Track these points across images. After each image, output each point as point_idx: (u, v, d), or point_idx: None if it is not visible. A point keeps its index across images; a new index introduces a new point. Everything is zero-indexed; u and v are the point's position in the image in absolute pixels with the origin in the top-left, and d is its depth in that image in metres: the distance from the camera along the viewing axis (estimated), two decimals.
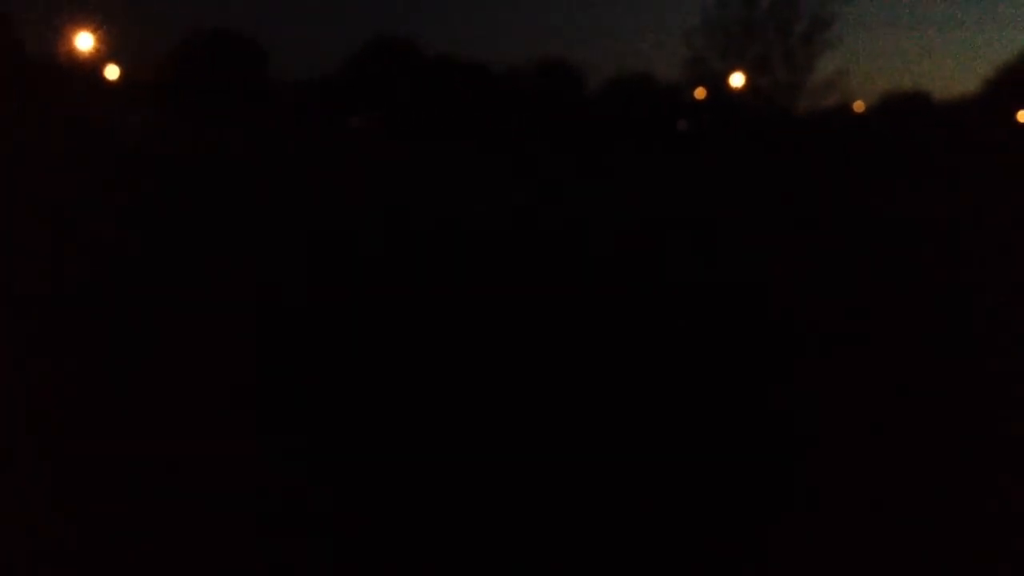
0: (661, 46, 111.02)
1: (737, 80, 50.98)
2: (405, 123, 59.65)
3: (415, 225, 15.45)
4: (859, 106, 67.14)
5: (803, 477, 4.69)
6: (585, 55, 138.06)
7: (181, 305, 8.35)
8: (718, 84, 52.60)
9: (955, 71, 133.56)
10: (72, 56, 44.48)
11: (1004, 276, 11.55)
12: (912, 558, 3.84)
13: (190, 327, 7.51)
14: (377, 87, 62.61)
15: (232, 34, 65.75)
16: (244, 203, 17.94)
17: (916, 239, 15.19)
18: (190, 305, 8.38)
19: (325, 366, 6.46)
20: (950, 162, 45.57)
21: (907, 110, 67.78)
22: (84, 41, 44.68)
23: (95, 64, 49.18)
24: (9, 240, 10.85)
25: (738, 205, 20.78)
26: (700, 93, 56.58)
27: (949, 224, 17.89)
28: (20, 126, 27.55)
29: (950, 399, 6.06)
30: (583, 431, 5.27)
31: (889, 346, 7.55)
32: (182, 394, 5.74)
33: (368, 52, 66.85)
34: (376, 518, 4.18)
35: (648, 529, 4.06)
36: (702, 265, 11.81)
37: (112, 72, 53.81)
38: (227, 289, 9.25)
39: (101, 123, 36.44)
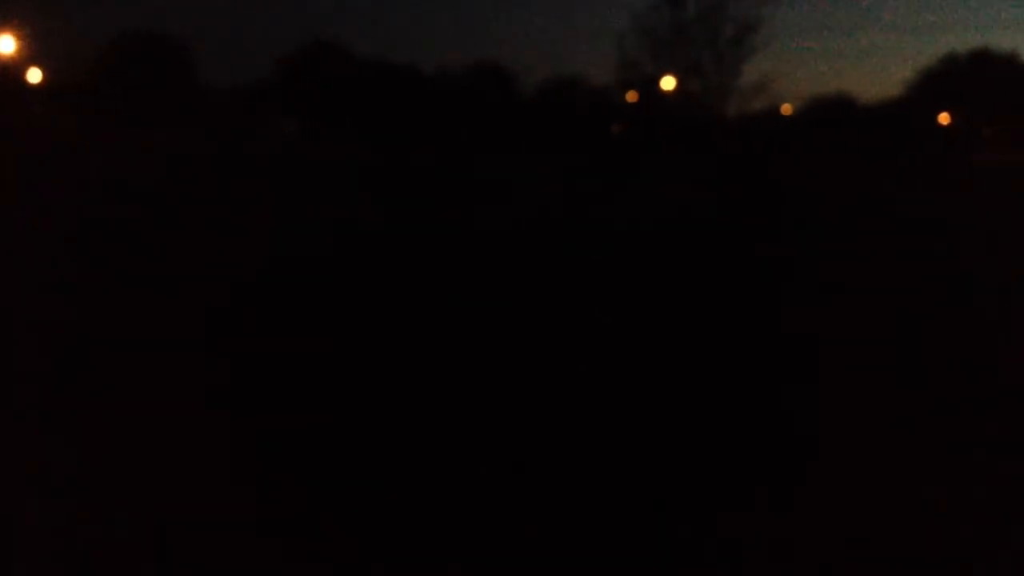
0: (594, 50, 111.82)
1: (668, 83, 51.65)
2: (338, 126, 59.25)
3: (348, 229, 15.36)
4: (787, 109, 68.49)
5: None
6: (518, 58, 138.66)
7: (101, 310, 8.22)
8: (650, 87, 53.25)
9: (879, 75, 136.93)
10: None
11: (930, 272, 11.84)
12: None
13: (111, 331, 7.40)
14: (310, 90, 62.13)
15: (161, 37, 64.77)
16: (171, 207, 17.67)
17: (842, 238, 15.52)
18: (105, 311, 8.25)
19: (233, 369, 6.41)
20: (875, 162, 46.62)
21: (833, 113, 69.32)
22: (5, 44, 43.64)
23: (16, 68, 48.03)
24: None
25: (670, 207, 21.02)
26: (632, 96, 57.24)
27: (875, 222, 18.29)
28: None
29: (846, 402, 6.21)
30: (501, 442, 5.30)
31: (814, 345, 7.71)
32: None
33: (300, 55, 66.38)
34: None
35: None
36: (635, 267, 11.93)
37: (34, 76, 52.61)
38: (142, 293, 9.13)
39: (22, 127, 35.54)
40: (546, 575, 3.77)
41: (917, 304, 9.66)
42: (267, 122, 62.60)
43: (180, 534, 3.98)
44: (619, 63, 51.91)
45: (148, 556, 3.82)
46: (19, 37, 43.38)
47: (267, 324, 8.01)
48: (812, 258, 13.12)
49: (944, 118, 69.76)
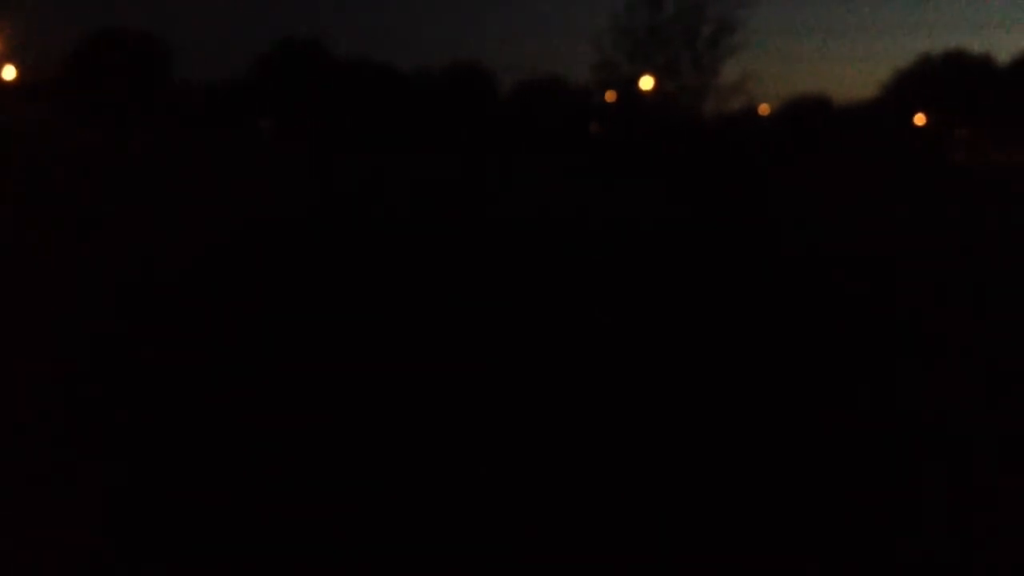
0: (571, 49, 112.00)
1: (645, 83, 51.69)
2: (315, 125, 59.00)
3: (323, 227, 15.25)
4: (764, 109, 68.81)
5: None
6: (496, 57, 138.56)
7: (74, 304, 8.10)
8: (628, 87, 53.26)
9: (855, 76, 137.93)
10: None
11: (902, 272, 11.89)
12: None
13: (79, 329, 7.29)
14: (286, 89, 61.81)
15: (136, 33, 64.23)
16: (144, 204, 17.51)
17: (820, 238, 15.55)
18: (79, 305, 8.13)
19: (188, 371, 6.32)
20: (851, 163, 46.95)
21: (810, 113, 69.73)
22: None
23: None
24: None
25: (646, 206, 21.02)
26: (610, 96, 57.25)
27: (850, 222, 18.37)
28: None
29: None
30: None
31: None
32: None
33: (276, 53, 66.02)
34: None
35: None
36: (616, 267, 11.89)
37: (8, 72, 52.13)
38: (109, 288, 9.01)
39: None
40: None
41: (900, 304, 9.69)
42: (243, 121, 62.24)
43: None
44: (597, 63, 51.82)
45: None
46: None
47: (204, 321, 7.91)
48: (792, 258, 13.13)
49: (919, 119, 70.28)
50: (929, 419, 5.62)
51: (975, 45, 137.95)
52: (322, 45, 65.92)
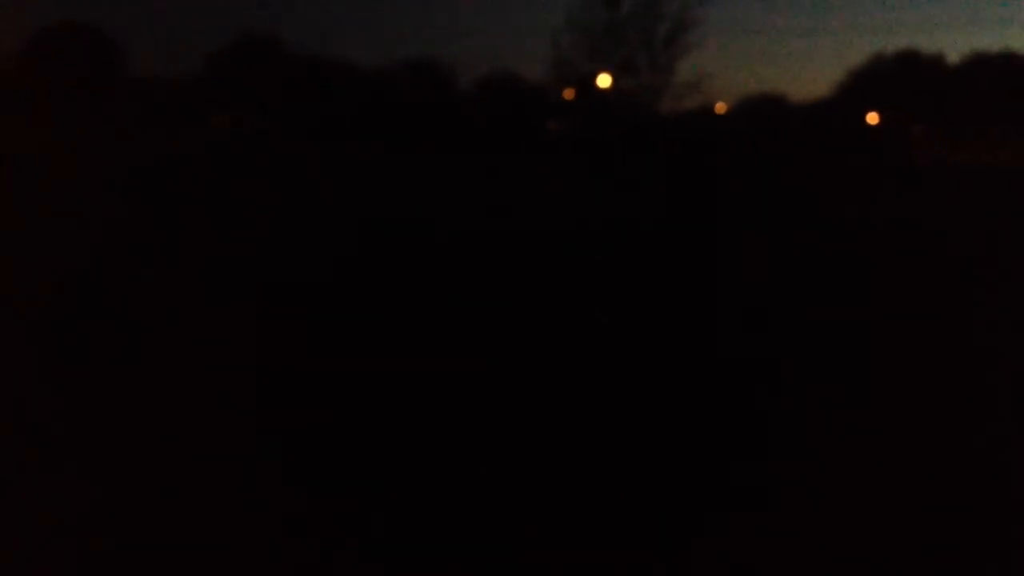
0: (529, 47, 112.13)
1: (603, 81, 51.86)
2: (271, 122, 58.49)
3: (276, 227, 15.11)
4: (721, 108, 69.32)
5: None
6: (454, 55, 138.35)
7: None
8: (585, 85, 53.38)
9: (810, 75, 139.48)
10: None
11: (866, 269, 11.99)
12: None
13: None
14: (242, 85, 61.17)
15: (87, 28, 63.14)
16: (94, 202, 17.25)
17: (775, 236, 15.66)
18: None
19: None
20: (805, 161, 47.45)
21: (765, 112, 70.38)
22: None
23: None
24: None
25: (603, 204, 21.06)
26: (568, 94, 57.36)
27: (806, 220, 18.53)
28: None
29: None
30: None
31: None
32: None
33: (232, 50, 65.31)
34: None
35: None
36: (569, 266, 11.88)
37: None
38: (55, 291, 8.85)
39: None
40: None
41: (857, 302, 9.77)
42: (197, 117, 61.48)
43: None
44: (554, 61, 51.89)
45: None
46: None
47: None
48: (747, 257, 13.20)
49: (872, 118, 71.22)
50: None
51: (927, 45, 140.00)
52: (279, 41, 65.37)
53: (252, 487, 4.44)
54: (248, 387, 6.00)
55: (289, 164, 34.06)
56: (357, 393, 5.88)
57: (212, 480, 4.48)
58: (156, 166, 29.17)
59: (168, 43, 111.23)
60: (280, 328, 7.74)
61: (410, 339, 7.43)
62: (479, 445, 5.01)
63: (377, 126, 56.73)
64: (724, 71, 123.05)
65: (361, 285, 10.01)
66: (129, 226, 14.47)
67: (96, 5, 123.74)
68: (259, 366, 6.50)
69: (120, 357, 6.61)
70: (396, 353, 6.95)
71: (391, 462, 4.74)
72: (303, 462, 4.78)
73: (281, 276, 10.56)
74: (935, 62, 74.24)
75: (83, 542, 3.83)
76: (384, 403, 5.69)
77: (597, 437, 5.19)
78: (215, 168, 30.57)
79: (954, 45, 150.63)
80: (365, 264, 11.56)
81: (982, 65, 74.18)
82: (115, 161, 29.99)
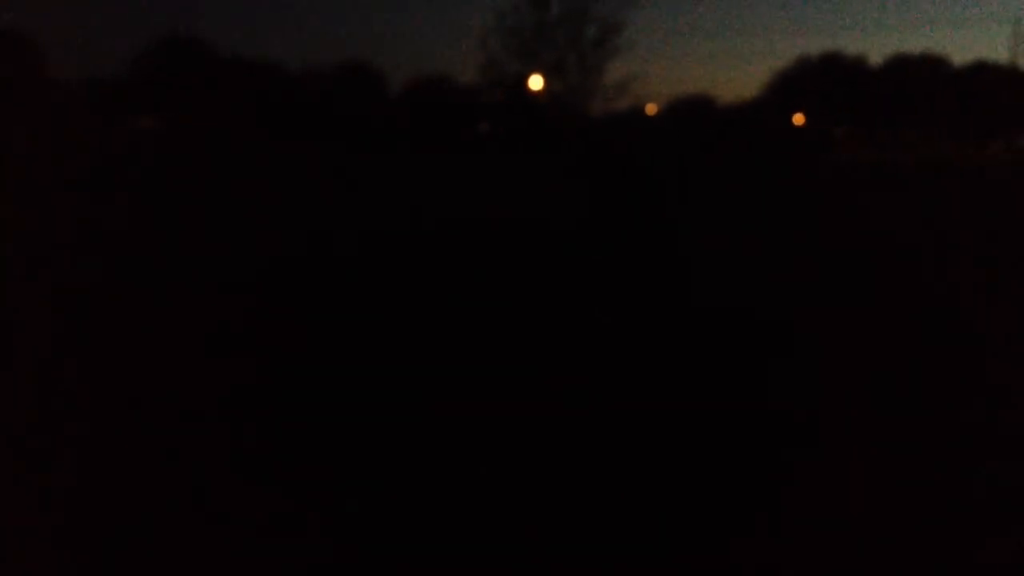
0: (459, 49, 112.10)
1: (535, 83, 52.15)
2: (198, 124, 57.65)
3: (205, 229, 14.90)
4: (651, 109, 70.20)
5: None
6: (384, 57, 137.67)
7: None
8: (516, 87, 53.64)
9: (737, 76, 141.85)
10: None
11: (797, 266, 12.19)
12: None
13: None
14: (168, 87, 60.23)
15: (8, 32, 61.62)
16: (15, 207, 16.81)
17: (705, 236, 15.85)
18: None
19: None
20: (734, 161, 48.12)
21: (695, 113, 71.45)
22: None
23: None
24: None
25: (542, 206, 21.15)
26: (499, 96, 57.56)
27: (732, 222, 18.78)
28: None
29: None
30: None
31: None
32: None
33: (158, 51, 64.30)
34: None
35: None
36: (506, 267, 11.90)
37: None
38: None
39: None
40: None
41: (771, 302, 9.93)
42: (123, 120, 60.41)
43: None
44: (484, 62, 52.08)
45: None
46: None
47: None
48: (673, 257, 13.34)
49: (799, 118, 72.73)
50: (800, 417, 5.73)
51: (850, 46, 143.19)
52: (205, 43, 64.53)
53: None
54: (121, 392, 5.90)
55: (215, 166, 33.57)
56: (241, 402, 5.83)
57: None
58: (80, 169, 28.51)
59: (93, 45, 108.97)
60: (209, 330, 7.63)
61: (329, 341, 7.39)
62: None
63: (305, 128, 56.26)
64: (655, 73, 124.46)
65: (284, 285, 9.93)
66: (50, 230, 14.15)
67: (17, 7, 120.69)
68: (156, 364, 6.40)
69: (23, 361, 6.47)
70: (311, 357, 6.91)
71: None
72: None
73: (208, 277, 10.42)
74: (858, 63, 76.06)
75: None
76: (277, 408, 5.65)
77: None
78: (140, 171, 30.00)
79: (877, 47, 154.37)
80: (289, 264, 11.47)
81: (903, 66, 76.23)
82: (38, 164, 29.26)
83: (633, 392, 6.12)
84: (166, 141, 51.00)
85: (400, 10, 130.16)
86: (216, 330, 7.71)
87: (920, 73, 75.15)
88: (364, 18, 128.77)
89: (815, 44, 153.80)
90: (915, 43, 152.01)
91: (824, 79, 71.88)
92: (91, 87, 62.12)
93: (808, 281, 10.92)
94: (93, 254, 11.99)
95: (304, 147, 47.76)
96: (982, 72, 75.32)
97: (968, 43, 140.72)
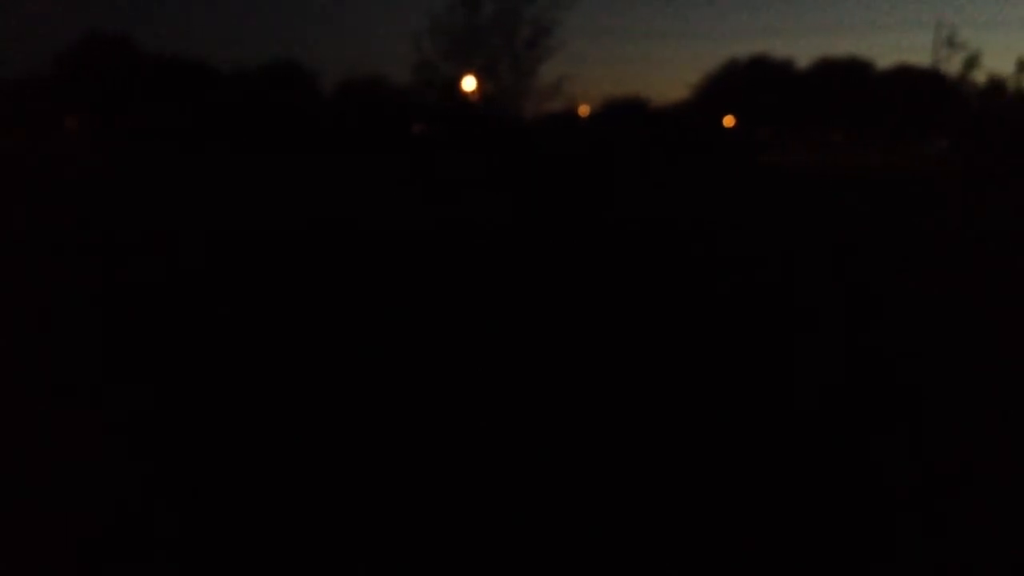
0: (393, 50, 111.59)
1: (468, 84, 52.06)
2: (122, 123, 56.52)
3: (131, 231, 14.65)
4: (584, 110, 70.56)
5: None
6: (317, 57, 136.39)
7: None
8: (449, 88, 53.49)
9: (669, 79, 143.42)
10: None
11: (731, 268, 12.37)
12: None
13: None
14: (91, 86, 58.92)
15: None
16: None
17: (634, 239, 16.01)
18: None
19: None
20: (666, 162, 48.68)
21: (627, 114, 72.08)
22: None
23: None
24: None
25: (461, 206, 21.16)
26: (433, 96, 57.31)
27: (668, 223, 18.99)
28: None
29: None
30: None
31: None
32: None
33: (80, 49, 62.89)
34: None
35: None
36: (416, 265, 11.90)
37: None
38: None
39: None
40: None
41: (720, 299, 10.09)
42: (46, 119, 58.98)
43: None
44: (417, 63, 51.83)
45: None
46: None
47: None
48: (604, 258, 13.46)
49: (729, 121, 73.79)
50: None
51: (777, 50, 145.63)
52: (130, 41, 63.28)
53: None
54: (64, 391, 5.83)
55: (140, 166, 32.99)
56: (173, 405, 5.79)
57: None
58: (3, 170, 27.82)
59: (15, 43, 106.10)
60: (134, 331, 7.54)
61: (257, 341, 7.35)
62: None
63: (235, 127, 55.49)
64: (589, 75, 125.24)
65: (211, 287, 9.84)
66: None
67: None
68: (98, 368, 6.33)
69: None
70: (244, 355, 6.88)
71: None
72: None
73: (133, 279, 10.28)
74: (785, 66, 77.41)
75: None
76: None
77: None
78: (67, 170, 29.36)
79: (803, 50, 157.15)
80: (213, 266, 11.35)
81: (829, 69, 77.79)
82: None
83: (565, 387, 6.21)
84: (90, 141, 49.92)
85: (335, 10, 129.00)
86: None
87: (846, 76, 76.77)
88: (298, 17, 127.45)
89: (745, 48, 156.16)
90: (841, 47, 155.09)
91: (751, 82, 73.03)
92: (15, 86, 60.60)
93: (711, 274, 11.16)
94: (16, 256, 11.76)
95: (232, 146, 47.10)
96: (905, 75, 77.20)
97: (892, 47, 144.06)
